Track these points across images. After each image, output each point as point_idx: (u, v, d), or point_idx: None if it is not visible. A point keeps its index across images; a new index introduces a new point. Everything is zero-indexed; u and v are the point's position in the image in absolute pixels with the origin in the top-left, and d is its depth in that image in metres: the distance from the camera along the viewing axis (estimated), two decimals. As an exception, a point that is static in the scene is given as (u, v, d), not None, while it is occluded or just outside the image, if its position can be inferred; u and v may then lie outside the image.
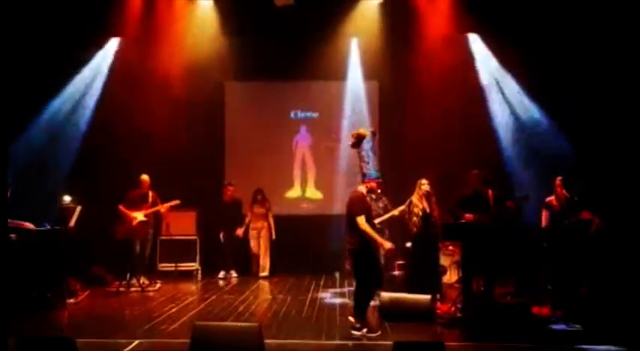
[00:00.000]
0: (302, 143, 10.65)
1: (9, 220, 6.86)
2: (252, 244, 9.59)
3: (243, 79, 10.44)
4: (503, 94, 9.78)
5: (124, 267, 8.32)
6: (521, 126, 9.60)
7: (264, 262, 9.54)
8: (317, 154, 10.62)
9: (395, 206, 7.83)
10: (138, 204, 8.60)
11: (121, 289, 8.10)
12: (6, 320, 4.29)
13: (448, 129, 9.54)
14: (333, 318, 6.62)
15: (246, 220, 9.57)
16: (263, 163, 10.30)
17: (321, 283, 8.89)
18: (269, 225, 9.58)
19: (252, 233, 9.59)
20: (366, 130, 6.03)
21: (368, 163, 5.94)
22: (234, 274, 9.49)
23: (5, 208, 6.54)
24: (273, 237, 9.56)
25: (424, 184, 6.99)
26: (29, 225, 7.15)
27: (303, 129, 10.65)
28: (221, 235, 9.51)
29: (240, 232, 9.49)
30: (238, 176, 9.99)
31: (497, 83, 9.82)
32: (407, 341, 5.20)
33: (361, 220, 5.71)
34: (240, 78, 10.40)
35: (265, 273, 9.47)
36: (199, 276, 9.43)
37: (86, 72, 9.90)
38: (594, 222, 6.99)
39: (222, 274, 9.43)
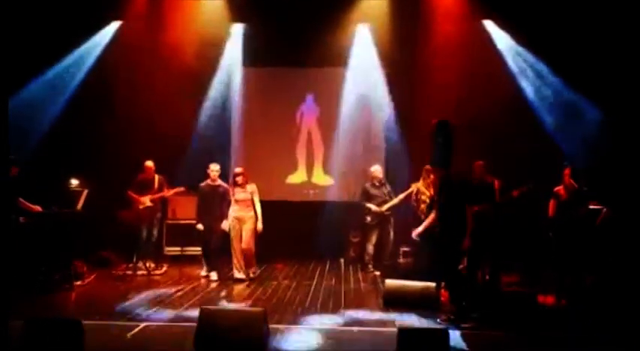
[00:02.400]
0: (308, 115, 9.48)
1: (20, 200, 6.94)
2: (232, 236, 7.83)
3: (250, 65, 10.34)
4: (539, 77, 9.41)
5: (131, 250, 8.35)
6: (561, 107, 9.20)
7: (245, 260, 7.80)
8: (326, 129, 9.42)
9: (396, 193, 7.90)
10: (144, 189, 8.66)
11: (128, 272, 8.14)
12: (6, 302, 4.34)
13: (458, 116, 9.39)
14: (338, 304, 6.64)
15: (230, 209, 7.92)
16: (269, 148, 10.17)
17: (326, 269, 8.90)
18: (255, 214, 7.87)
19: (233, 223, 7.85)
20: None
21: None
22: (213, 276, 7.93)
23: (9, 191, 6.61)
24: (259, 229, 7.82)
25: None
26: (37, 207, 7.19)
27: (309, 98, 9.56)
28: (199, 227, 8.08)
29: (225, 225, 7.89)
30: (243, 161, 9.90)
31: (526, 66, 9.49)
32: (411, 327, 5.23)
33: None
34: (247, 64, 10.31)
35: (242, 275, 7.75)
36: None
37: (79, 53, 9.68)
38: (602, 212, 6.96)
39: (204, 271, 8.13)
